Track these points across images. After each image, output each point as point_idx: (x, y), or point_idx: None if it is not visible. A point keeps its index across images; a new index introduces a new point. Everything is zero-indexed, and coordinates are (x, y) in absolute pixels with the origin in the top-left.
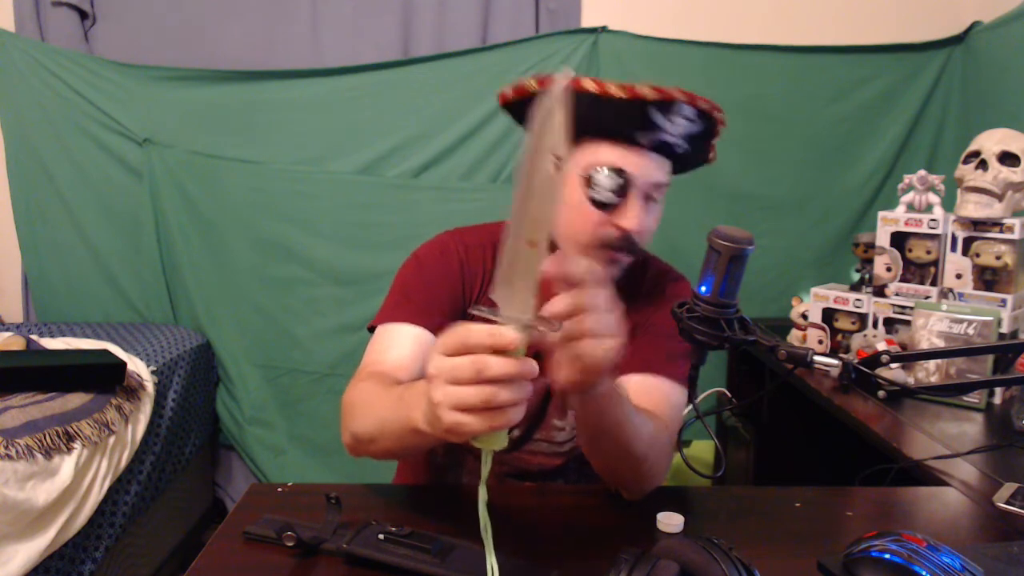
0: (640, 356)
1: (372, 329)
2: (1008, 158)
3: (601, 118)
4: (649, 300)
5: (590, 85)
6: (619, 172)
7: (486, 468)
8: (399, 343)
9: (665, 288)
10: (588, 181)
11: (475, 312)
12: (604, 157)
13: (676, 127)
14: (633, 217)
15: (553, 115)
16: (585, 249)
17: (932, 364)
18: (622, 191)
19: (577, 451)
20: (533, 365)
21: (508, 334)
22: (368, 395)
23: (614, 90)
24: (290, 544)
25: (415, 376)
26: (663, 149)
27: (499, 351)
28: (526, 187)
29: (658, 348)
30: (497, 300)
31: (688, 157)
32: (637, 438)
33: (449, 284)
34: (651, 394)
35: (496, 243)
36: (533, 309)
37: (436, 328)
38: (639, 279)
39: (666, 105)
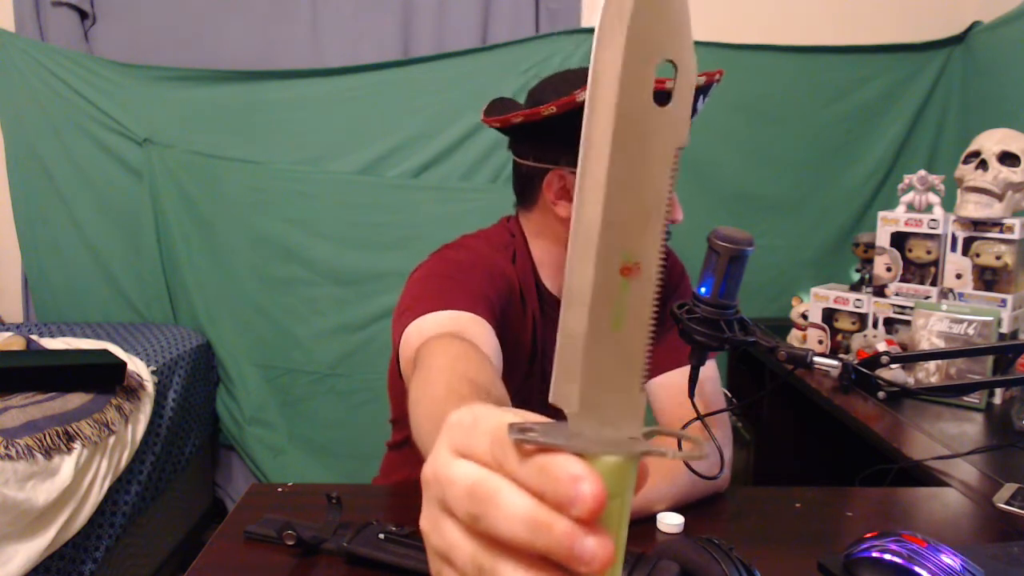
0: (665, 353)
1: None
2: (1008, 158)
3: None
4: None
5: None
6: None
7: None
8: (475, 326)
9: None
10: None
11: (520, 437)
12: None
13: (702, 106)
14: (678, 207)
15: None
16: None
17: (932, 364)
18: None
19: None
20: (607, 547)
21: (570, 468)
22: (436, 374)
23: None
24: (290, 543)
25: (484, 352)
26: None
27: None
28: (604, 150)
29: (677, 338)
30: (561, 402)
31: None
32: (660, 505)
33: (488, 277)
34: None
35: (515, 255)
36: (641, 409)
37: (486, 315)
38: None
39: (708, 88)
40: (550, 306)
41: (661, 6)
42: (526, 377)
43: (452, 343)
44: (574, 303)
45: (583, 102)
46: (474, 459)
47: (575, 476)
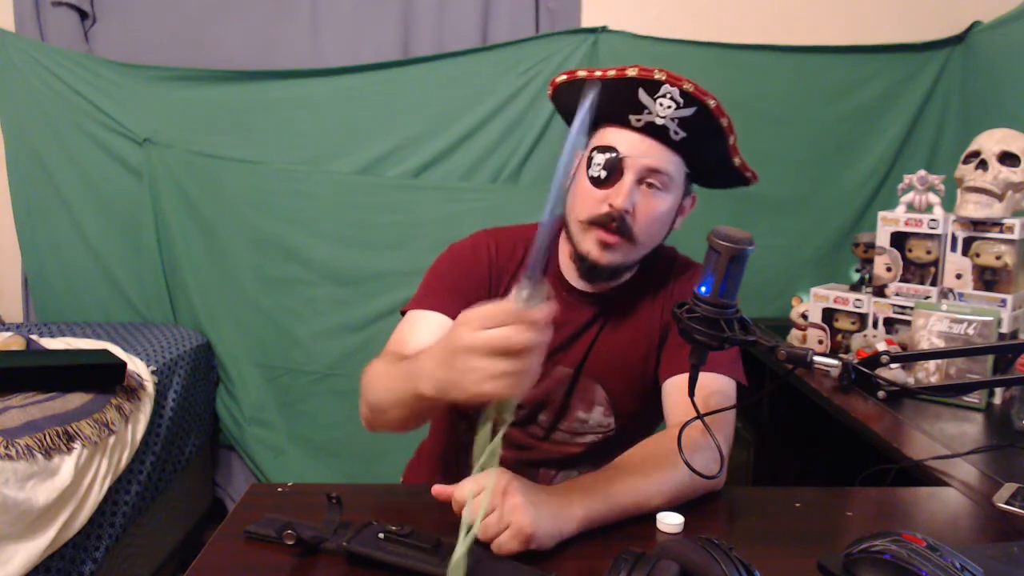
0: (681, 356)
1: (403, 314)
2: (1008, 158)
3: (604, 105)
4: (671, 292)
5: (582, 73)
6: (609, 148)
7: (499, 435)
8: (423, 328)
9: (682, 276)
10: (589, 161)
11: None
12: (603, 139)
13: (664, 108)
14: (621, 194)
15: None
16: (584, 227)
17: (932, 364)
18: (611, 168)
19: (596, 445)
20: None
21: (538, 313)
22: (381, 369)
23: (599, 73)
24: (290, 543)
25: None
26: (660, 134)
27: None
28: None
29: None
30: (528, 281)
31: (705, 157)
32: (657, 501)
33: (477, 275)
34: (698, 392)
35: (528, 239)
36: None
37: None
38: (659, 273)
39: (651, 85)
40: (551, 277)
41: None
42: None
43: (392, 359)
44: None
45: (581, 77)
46: (490, 319)
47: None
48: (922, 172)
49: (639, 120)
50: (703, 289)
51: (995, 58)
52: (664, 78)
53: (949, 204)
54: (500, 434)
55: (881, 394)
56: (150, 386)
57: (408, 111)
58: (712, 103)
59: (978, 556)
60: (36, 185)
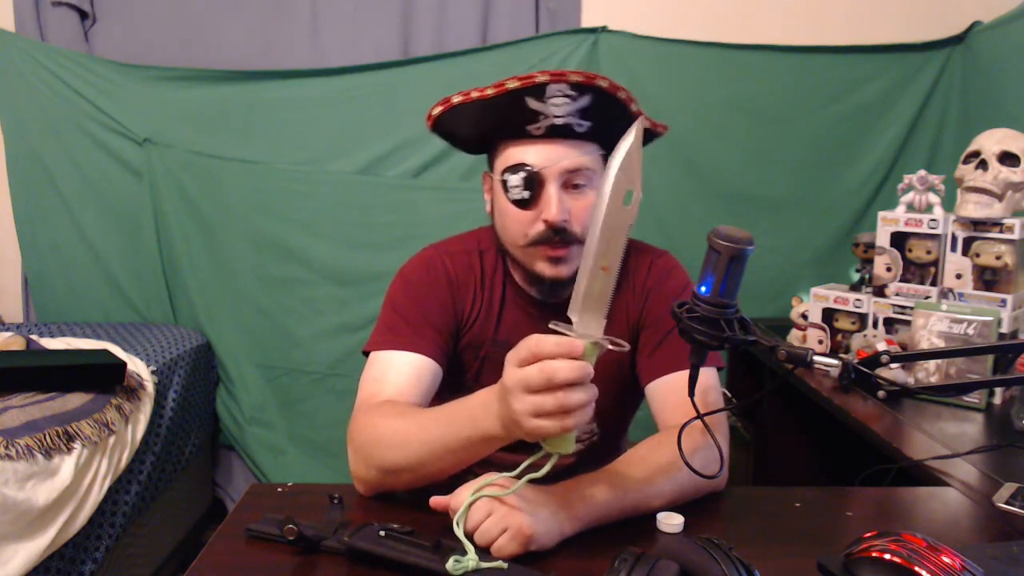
0: (663, 357)
1: (366, 353)
2: (1008, 158)
3: (494, 123)
4: (643, 288)
5: (456, 99)
6: (521, 166)
7: (546, 469)
8: (394, 370)
9: (652, 270)
10: (504, 186)
11: (552, 327)
12: (510, 158)
13: (559, 107)
14: (551, 206)
15: (632, 156)
16: (526, 251)
17: (932, 364)
18: (531, 185)
19: (584, 453)
20: (590, 367)
21: (577, 344)
22: (396, 426)
23: (476, 94)
24: (291, 537)
25: (417, 402)
26: (564, 132)
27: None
28: (606, 220)
29: (675, 342)
30: (572, 317)
31: (616, 134)
32: (658, 502)
33: (438, 298)
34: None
35: (482, 249)
36: (603, 327)
37: (429, 349)
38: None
39: (537, 90)
40: (512, 291)
41: (633, 167)
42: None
43: (392, 407)
44: (582, 277)
45: (456, 103)
46: (532, 356)
47: (576, 344)
48: (922, 172)
49: (538, 128)
50: (703, 289)
51: (995, 58)
52: (547, 79)
53: (949, 204)
54: (549, 465)
55: (881, 394)
56: (150, 386)
57: (408, 111)
58: (604, 83)
59: (978, 556)
60: (36, 185)
